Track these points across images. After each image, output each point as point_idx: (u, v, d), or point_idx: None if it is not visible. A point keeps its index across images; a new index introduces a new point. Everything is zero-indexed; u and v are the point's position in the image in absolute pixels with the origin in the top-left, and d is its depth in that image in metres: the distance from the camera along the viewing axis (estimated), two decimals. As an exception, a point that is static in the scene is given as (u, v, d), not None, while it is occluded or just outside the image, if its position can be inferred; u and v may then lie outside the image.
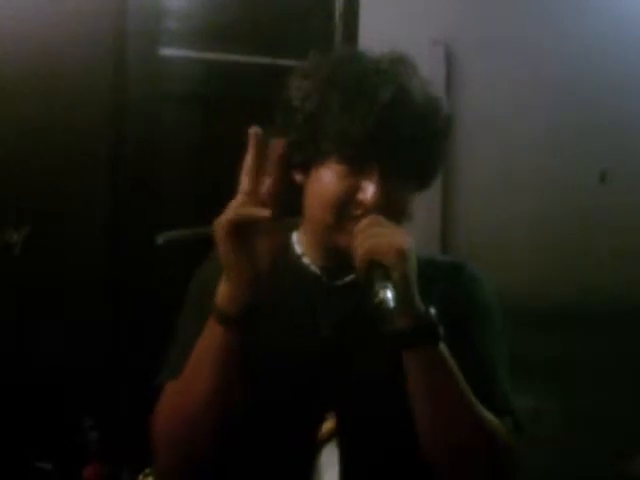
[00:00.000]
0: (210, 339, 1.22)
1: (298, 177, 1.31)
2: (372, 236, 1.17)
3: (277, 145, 1.21)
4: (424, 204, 1.41)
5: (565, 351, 4.40)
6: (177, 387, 1.27)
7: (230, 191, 1.18)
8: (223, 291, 1.20)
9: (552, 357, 4.35)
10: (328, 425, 1.28)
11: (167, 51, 2.26)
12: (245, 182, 1.17)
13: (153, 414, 1.28)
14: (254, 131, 1.18)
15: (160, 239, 2.26)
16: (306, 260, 1.36)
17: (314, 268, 1.35)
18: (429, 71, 1.38)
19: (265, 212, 1.14)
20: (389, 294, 1.10)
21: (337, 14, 2.71)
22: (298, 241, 1.38)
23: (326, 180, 1.26)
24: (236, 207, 1.15)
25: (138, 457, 1.83)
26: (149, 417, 1.29)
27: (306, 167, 1.29)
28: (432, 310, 1.19)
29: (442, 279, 1.36)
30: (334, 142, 1.24)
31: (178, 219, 2.33)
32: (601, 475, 3.40)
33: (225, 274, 1.19)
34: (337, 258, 1.29)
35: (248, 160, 1.18)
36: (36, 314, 2.04)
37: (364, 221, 1.20)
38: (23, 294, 2.04)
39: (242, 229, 1.15)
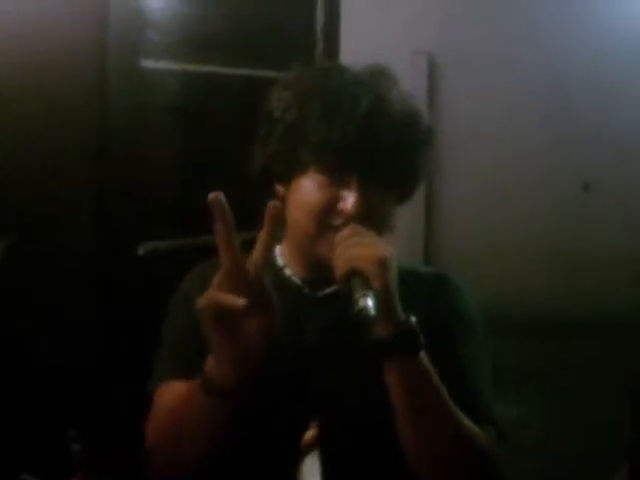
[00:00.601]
0: (195, 400, 1.18)
1: (279, 189, 1.32)
2: (352, 246, 1.17)
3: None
4: (408, 214, 1.42)
5: (553, 358, 4.40)
6: (167, 402, 1.27)
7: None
8: (212, 362, 1.14)
9: (540, 365, 4.35)
10: (310, 434, 1.28)
11: (148, 63, 2.26)
12: (222, 257, 1.08)
13: (146, 421, 1.29)
14: (214, 197, 1.06)
15: (141, 250, 2.25)
16: (288, 272, 1.37)
17: (295, 280, 1.36)
18: (411, 81, 1.39)
19: (239, 302, 1.05)
20: (369, 302, 1.10)
21: (318, 25, 2.72)
22: (280, 253, 1.39)
23: (307, 190, 1.26)
24: (212, 293, 1.07)
25: (123, 469, 1.83)
26: (135, 428, 1.29)
27: (287, 179, 1.30)
28: (413, 319, 1.19)
29: (424, 290, 1.37)
30: (314, 152, 1.25)
31: (159, 230, 2.33)
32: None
33: (212, 349, 1.13)
34: (319, 270, 1.29)
35: (218, 231, 1.08)
36: (20, 324, 2.04)
37: (344, 231, 1.21)
38: (7, 301, 2.03)
39: (222, 312, 1.07)
